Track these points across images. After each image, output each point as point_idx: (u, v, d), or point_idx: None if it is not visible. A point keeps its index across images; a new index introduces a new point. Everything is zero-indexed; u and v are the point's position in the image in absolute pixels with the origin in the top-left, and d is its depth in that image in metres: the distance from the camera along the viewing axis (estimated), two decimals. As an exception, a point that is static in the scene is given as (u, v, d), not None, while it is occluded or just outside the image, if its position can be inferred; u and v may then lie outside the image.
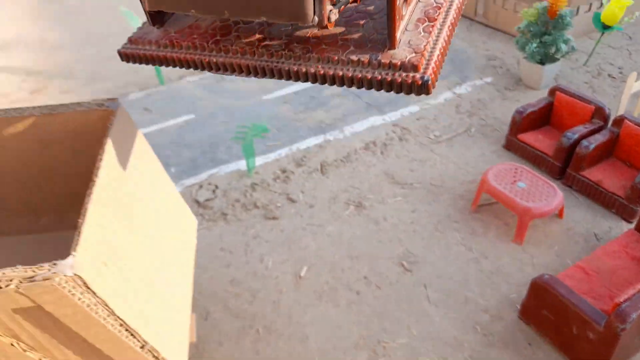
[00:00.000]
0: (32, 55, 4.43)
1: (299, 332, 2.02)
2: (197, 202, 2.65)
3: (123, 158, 1.29)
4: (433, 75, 0.81)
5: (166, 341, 1.33)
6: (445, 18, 0.91)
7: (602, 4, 3.96)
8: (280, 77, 0.90)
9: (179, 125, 3.29)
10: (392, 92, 0.81)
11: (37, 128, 1.37)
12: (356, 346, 1.96)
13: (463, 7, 0.97)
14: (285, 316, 2.09)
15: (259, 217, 2.59)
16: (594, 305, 1.76)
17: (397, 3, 0.79)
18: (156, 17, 1.00)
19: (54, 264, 0.92)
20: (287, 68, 0.88)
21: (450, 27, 0.91)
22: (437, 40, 0.86)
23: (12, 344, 1.06)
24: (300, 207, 2.65)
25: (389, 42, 0.82)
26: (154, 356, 1.24)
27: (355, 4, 0.94)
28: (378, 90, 0.82)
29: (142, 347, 1.19)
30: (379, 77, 0.81)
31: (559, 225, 2.45)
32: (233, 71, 0.95)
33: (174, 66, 0.99)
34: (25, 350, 1.08)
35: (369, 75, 0.82)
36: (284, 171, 2.88)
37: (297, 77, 0.88)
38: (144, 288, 1.27)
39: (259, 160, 2.91)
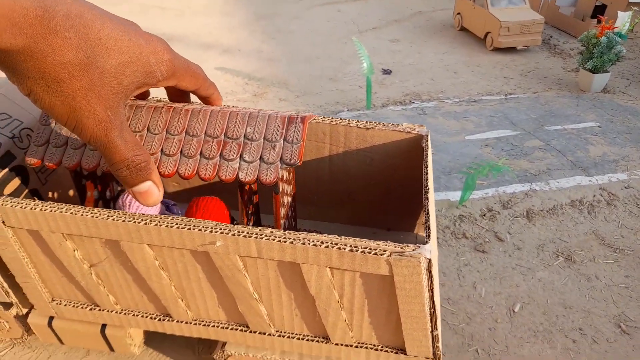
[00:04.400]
0: (252, 62, 5.05)
1: (518, 362, 2.13)
2: (412, 220, 2.87)
3: (430, 172, 1.51)
4: None
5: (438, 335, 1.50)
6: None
7: None
8: None
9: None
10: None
11: (361, 139, 1.63)
12: (577, 391, 2.02)
13: None
14: (502, 344, 2.21)
15: (468, 247, 2.75)
16: None
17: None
18: None
19: (418, 246, 1.13)
20: None
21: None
22: None
23: (337, 301, 1.28)
24: (507, 247, 2.77)
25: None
26: (434, 343, 1.42)
27: None
28: None
29: (431, 332, 1.36)
30: None
31: None
32: None
33: None
34: (341, 309, 1.31)
35: None
36: (490, 210, 3.02)
37: None
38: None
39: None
